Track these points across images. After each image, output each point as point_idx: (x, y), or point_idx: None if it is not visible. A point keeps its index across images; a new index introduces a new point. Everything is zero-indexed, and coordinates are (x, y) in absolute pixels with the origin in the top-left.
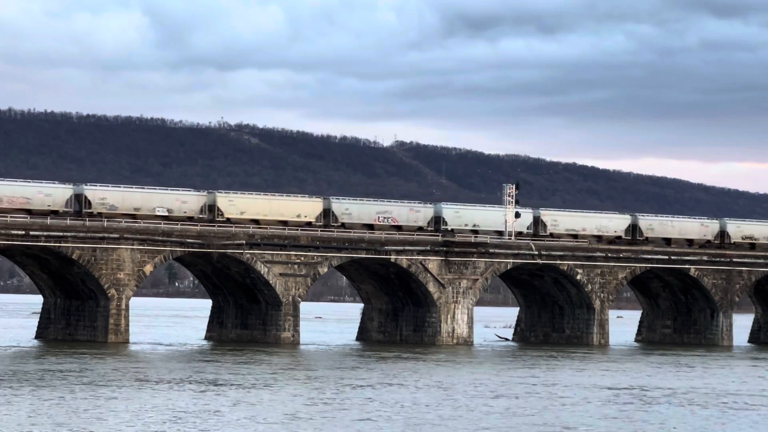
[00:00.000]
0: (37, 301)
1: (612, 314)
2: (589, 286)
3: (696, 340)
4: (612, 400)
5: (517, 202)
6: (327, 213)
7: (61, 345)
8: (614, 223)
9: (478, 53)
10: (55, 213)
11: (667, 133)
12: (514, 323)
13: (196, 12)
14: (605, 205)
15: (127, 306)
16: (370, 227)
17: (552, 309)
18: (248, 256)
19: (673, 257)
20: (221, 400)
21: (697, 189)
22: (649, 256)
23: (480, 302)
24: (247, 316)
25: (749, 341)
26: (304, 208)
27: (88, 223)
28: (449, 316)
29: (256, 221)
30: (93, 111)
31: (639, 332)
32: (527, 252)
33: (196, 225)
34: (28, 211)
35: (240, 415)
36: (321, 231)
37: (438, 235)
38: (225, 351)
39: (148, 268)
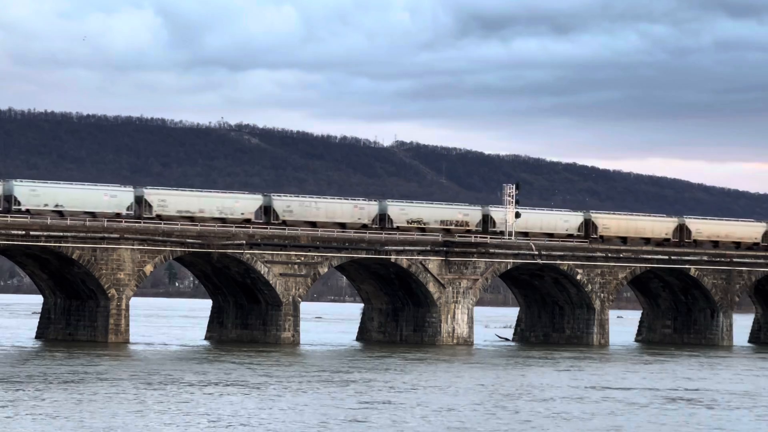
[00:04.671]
0: (37, 301)
1: (612, 314)
2: (589, 286)
3: (696, 340)
4: (669, 403)
5: (517, 202)
6: None
7: (62, 345)
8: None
9: (490, 53)
10: None
11: (675, 133)
12: (514, 323)
13: (209, 12)
14: (605, 205)
15: (127, 306)
16: None
17: (552, 309)
18: (248, 256)
19: (673, 257)
20: (266, 403)
21: (698, 189)
22: (650, 256)
23: (480, 302)
24: (247, 316)
25: (749, 341)
26: None
27: (88, 223)
28: (449, 316)
29: None
30: (99, 111)
31: (639, 332)
32: (527, 252)
33: (197, 225)
34: None
35: (288, 418)
36: (321, 231)
37: (438, 236)
38: (235, 351)
39: (148, 268)
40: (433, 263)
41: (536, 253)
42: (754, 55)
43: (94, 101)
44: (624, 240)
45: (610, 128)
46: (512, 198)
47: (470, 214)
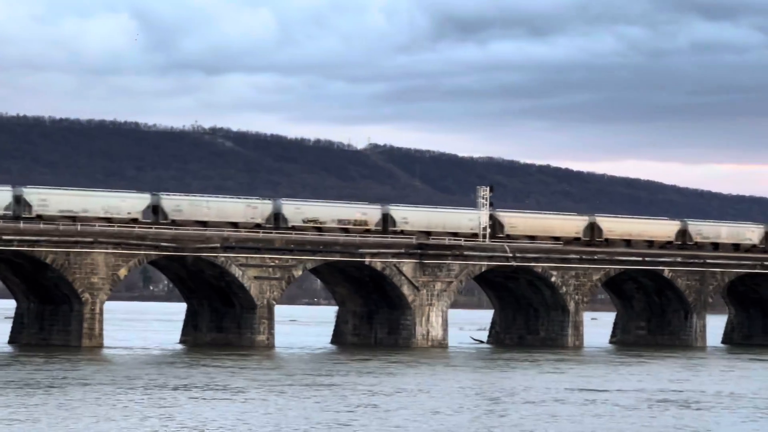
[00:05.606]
0: (10, 305)
1: (586, 316)
2: (564, 288)
3: (670, 342)
4: (656, 405)
5: (491, 205)
6: None
7: (36, 350)
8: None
9: (467, 55)
10: None
11: (650, 135)
12: (488, 326)
13: (185, 16)
14: (579, 207)
15: (101, 310)
16: None
17: (527, 311)
18: (223, 259)
19: (647, 258)
20: (251, 407)
21: (671, 191)
22: (623, 258)
23: (454, 305)
24: (221, 320)
25: (722, 342)
26: None
27: (62, 227)
28: (424, 318)
29: None
30: (73, 115)
31: (613, 334)
32: (502, 254)
33: (171, 228)
34: None
35: (274, 422)
36: (295, 234)
37: (412, 238)
38: (213, 355)
39: (123, 272)
40: (408, 266)
41: (511, 255)
42: (729, 57)
43: (69, 105)
44: (532, 239)
45: (586, 130)
46: (486, 200)
47: (369, 213)
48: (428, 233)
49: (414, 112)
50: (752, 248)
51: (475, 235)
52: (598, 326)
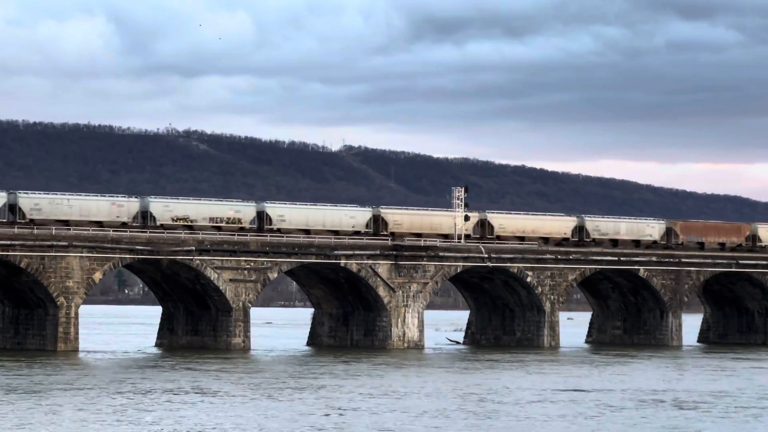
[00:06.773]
0: None
1: (562, 316)
2: (539, 288)
3: (646, 341)
4: (645, 405)
5: (466, 206)
6: None
7: (12, 354)
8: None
9: (444, 56)
10: None
11: (626, 134)
12: (464, 326)
13: (162, 18)
14: (554, 207)
15: (76, 314)
16: None
17: (503, 312)
18: (198, 262)
19: (622, 258)
20: (242, 410)
21: (646, 190)
22: (599, 258)
23: (430, 306)
24: (197, 323)
25: (698, 341)
26: None
27: (36, 231)
28: (400, 320)
29: None
30: (48, 119)
31: (589, 333)
32: (477, 255)
33: (146, 232)
34: None
35: (268, 426)
36: (270, 236)
37: (387, 239)
38: (194, 358)
39: (98, 276)
40: (383, 267)
41: (486, 256)
42: (705, 57)
43: (45, 109)
44: (419, 236)
45: (561, 130)
46: (461, 201)
47: (242, 210)
48: (307, 231)
49: (390, 114)
50: (653, 244)
51: (357, 233)
52: (574, 326)
